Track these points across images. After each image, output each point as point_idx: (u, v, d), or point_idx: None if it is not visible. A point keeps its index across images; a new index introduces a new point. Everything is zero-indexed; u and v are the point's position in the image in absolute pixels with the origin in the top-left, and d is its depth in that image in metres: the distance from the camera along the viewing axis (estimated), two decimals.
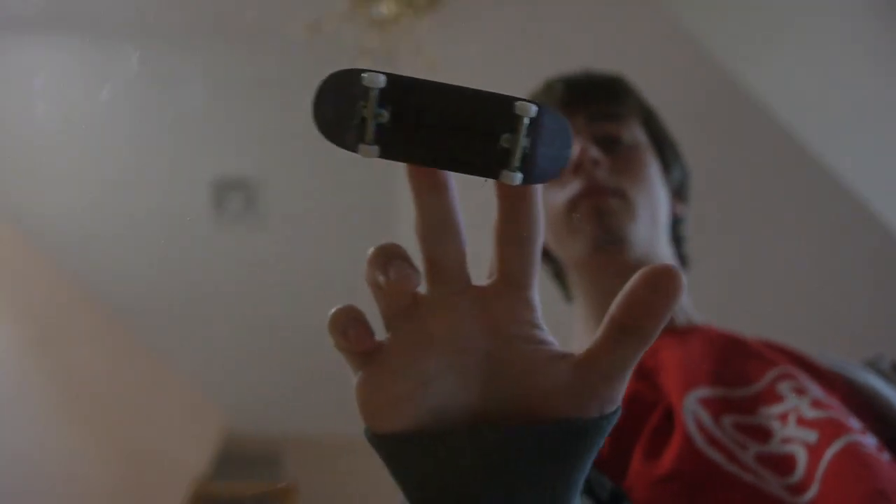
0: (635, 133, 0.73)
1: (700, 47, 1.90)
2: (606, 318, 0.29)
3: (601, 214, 0.66)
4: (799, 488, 0.50)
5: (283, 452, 3.41)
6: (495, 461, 0.28)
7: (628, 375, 0.29)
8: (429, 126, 0.27)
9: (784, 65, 1.88)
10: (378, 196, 2.44)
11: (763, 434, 0.54)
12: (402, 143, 0.28)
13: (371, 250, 0.30)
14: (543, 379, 0.29)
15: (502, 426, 0.29)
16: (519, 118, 0.27)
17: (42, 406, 2.35)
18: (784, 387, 0.57)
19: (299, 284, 2.65)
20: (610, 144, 0.70)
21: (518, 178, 0.28)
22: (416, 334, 0.29)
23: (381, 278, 0.29)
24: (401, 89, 0.27)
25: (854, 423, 0.54)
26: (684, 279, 0.28)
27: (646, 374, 0.60)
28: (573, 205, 0.67)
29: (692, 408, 0.55)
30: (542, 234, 0.30)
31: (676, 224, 0.77)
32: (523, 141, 0.27)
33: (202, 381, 3.02)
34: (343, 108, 0.28)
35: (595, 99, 0.73)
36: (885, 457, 0.51)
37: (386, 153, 0.28)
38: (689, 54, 1.92)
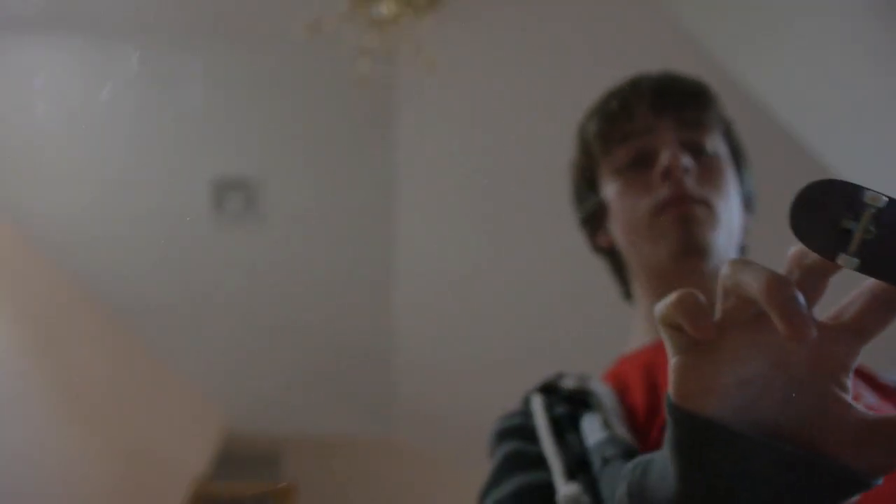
0: (717, 143, 0.73)
1: (700, 47, 1.90)
2: None
3: (687, 222, 0.67)
4: None
5: (283, 452, 3.41)
6: (776, 476, 0.30)
7: None
8: None
9: (784, 65, 1.88)
10: (378, 196, 2.44)
11: None
12: (881, 260, 0.29)
13: (776, 279, 0.31)
14: (836, 424, 0.31)
15: (800, 450, 0.30)
16: (868, 206, 0.29)
17: (42, 406, 2.35)
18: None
19: (299, 284, 2.66)
20: (695, 152, 0.71)
21: (853, 263, 0.29)
22: (751, 340, 0.31)
23: (784, 323, 0.29)
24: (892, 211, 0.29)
25: None
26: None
27: None
28: (659, 210, 0.68)
29: None
30: None
31: (743, 231, 0.78)
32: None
33: (202, 381, 3.02)
34: (830, 216, 0.30)
35: (683, 105, 0.73)
36: None
37: (865, 268, 0.29)
38: (689, 54, 1.91)
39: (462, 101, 2.16)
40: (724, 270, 0.32)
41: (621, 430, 0.56)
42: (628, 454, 0.52)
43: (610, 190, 0.73)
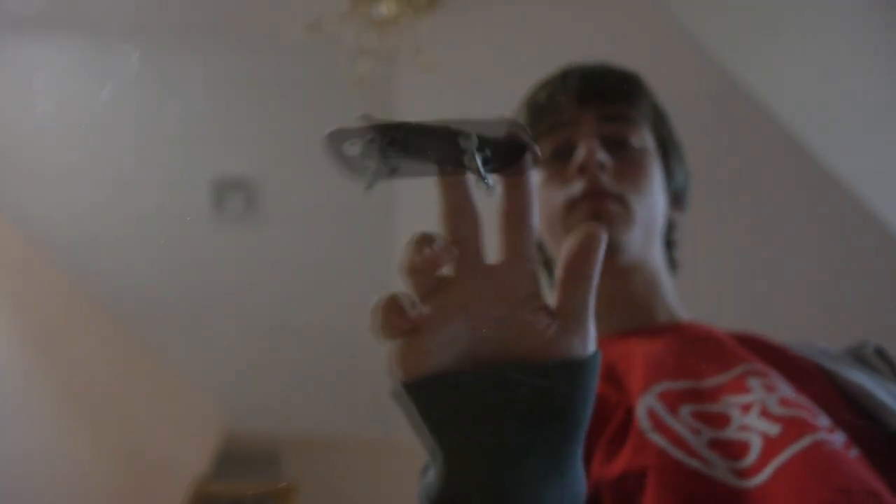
0: (644, 137, 0.72)
1: (700, 47, 1.90)
2: (559, 272, 0.36)
3: (599, 218, 0.66)
4: (746, 473, 0.50)
5: (283, 452, 3.41)
6: (508, 393, 0.34)
7: (591, 314, 0.36)
8: (413, 157, 0.36)
9: (784, 65, 1.88)
10: (378, 196, 2.44)
11: (721, 420, 0.55)
12: (399, 171, 0.36)
13: (414, 236, 0.36)
14: (541, 333, 0.35)
15: (513, 364, 0.35)
16: (468, 148, 0.34)
17: (42, 406, 2.35)
18: (753, 381, 0.58)
19: (299, 284, 2.66)
20: (617, 147, 0.70)
21: (489, 183, 0.35)
22: (444, 305, 0.36)
23: (427, 250, 0.35)
24: (386, 138, 0.35)
25: (822, 420, 0.53)
26: (603, 236, 0.35)
27: (613, 376, 0.61)
28: (573, 205, 0.68)
29: (649, 402, 0.56)
30: (536, 213, 0.37)
31: (670, 229, 0.77)
32: (479, 159, 0.34)
33: (202, 381, 3.02)
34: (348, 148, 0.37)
35: (609, 98, 0.72)
36: (852, 454, 0.51)
37: (399, 176, 0.37)
38: (689, 54, 1.92)
39: (462, 101, 2.16)
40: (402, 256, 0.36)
41: None
42: None
43: (534, 181, 0.73)
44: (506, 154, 0.35)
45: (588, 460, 0.54)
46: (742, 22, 1.86)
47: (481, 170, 0.34)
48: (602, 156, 0.67)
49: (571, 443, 0.35)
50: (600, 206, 0.67)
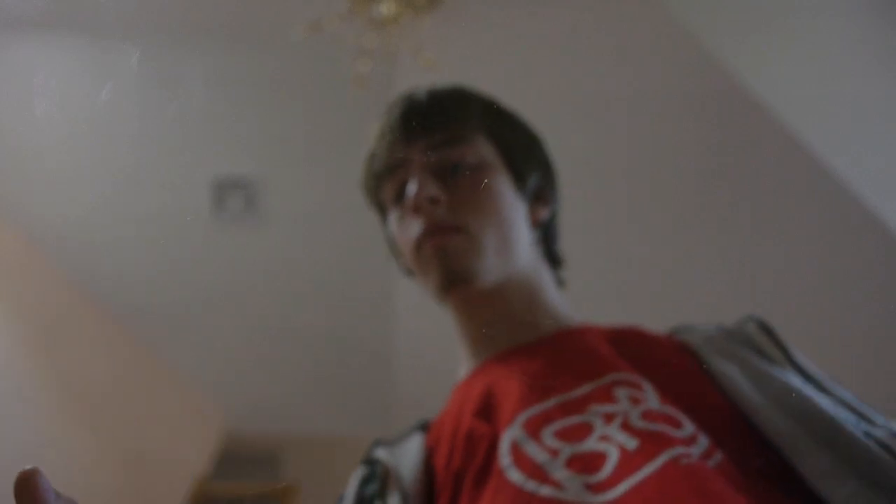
0: (480, 152, 0.70)
1: (700, 47, 1.90)
2: None
3: (444, 255, 0.65)
4: (599, 487, 0.49)
5: (283, 452, 3.41)
6: None
7: None
8: None
9: (784, 65, 1.88)
10: None
11: (583, 431, 0.54)
12: None
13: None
14: None
15: None
16: None
17: (42, 406, 2.35)
18: (621, 392, 0.57)
19: (299, 284, 2.66)
20: (451, 173, 0.68)
21: None
22: None
23: None
24: None
25: (685, 431, 0.53)
26: (31, 475, 0.34)
27: (487, 406, 0.61)
28: (418, 245, 0.67)
29: (512, 435, 0.56)
30: None
31: (544, 226, 0.75)
32: None
33: (202, 382, 3.02)
34: None
35: (432, 125, 0.70)
36: (713, 462, 0.51)
37: None
38: (689, 54, 1.91)
39: None
40: None
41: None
42: None
43: (391, 222, 0.73)
44: None
45: (456, 502, 0.55)
46: (742, 22, 1.86)
47: None
48: (431, 190, 0.66)
49: None
50: (443, 242, 0.65)
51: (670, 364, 0.62)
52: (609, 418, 0.55)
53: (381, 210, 0.76)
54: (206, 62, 2.05)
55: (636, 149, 2.13)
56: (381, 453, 0.64)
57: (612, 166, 2.18)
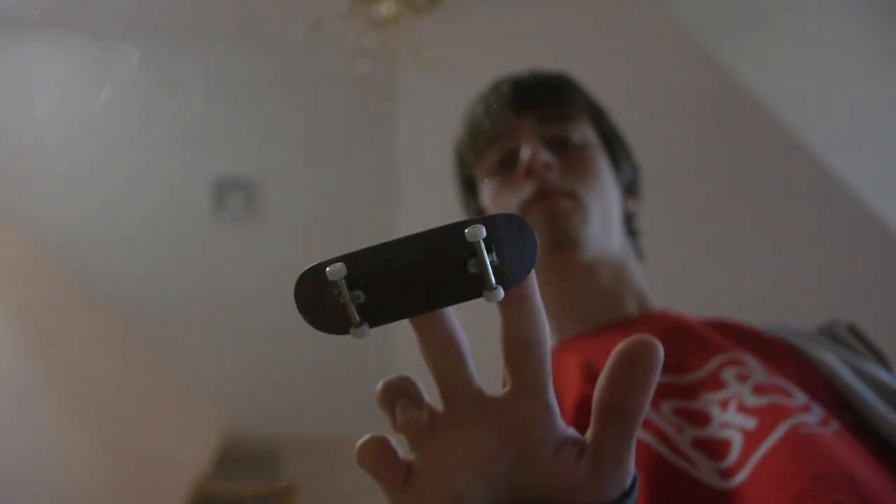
0: (585, 133, 0.73)
1: (700, 47, 1.90)
2: (596, 404, 0.30)
3: (553, 218, 0.66)
4: (729, 472, 0.50)
5: (283, 452, 3.41)
6: None
7: (633, 448, 0.30)
8: (402, 282, 0.29)
9: (784, 64, 1.88)
10: (378, 196, 2.44)
11: (702, 419, 0.55)
12: (386, 310, 0.29)
13: (378, 387, 0.31)
14: (567, 477, 0.30)
15: None
16: (475, 243, 0.28)
17: (42, 406, 2.35)
18: (728, 374, 0.58)
19: None
20: (560, 146, 0.70)
21: (499, 293, 0.28)
22: (441, 454, 0.30)
23: (391, 420, 0.30)
24: (362, 268, 0.28)
25: (797, 399, 0.54)
26: (660, 349, 0.29)
27: (593, 375, 0.61)
28: (526, 207, 0.68)
29: None
30: (548, 336, 0.31)
31: (629, 219, 0.78)
32: (488, 259, 0.28)
33: (202, 382, 3.02)
34: (323, 302, 0.29)
35: (543, 101, 0.73)
36: (831, 429, 0.52)
37: (375, 324, 0.29)
38: (689, 54, 1.91)
39: (462, 101, 2.15)
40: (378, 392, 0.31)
41: None
42: None
43: (486, 194, 0.74)
44: (511, 257, 0.29)
45: None
46: (742, 22, 1.86)
47: (491, 275, 0.28)
48: (545, 155, 0.68)
49: None
50: (553, 205, 0.67)
51: (769, 345, 0.63)
52: (724, 405, 0.55)
53: (469, 182, 0.77)
54: (206, 62, 2.05)
55: (636, 149, 2.12)
56: None
57: None
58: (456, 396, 0.31)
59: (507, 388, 0.31)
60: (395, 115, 2.22)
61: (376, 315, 0.29)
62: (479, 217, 0.28)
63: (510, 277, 0.29)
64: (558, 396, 0.62)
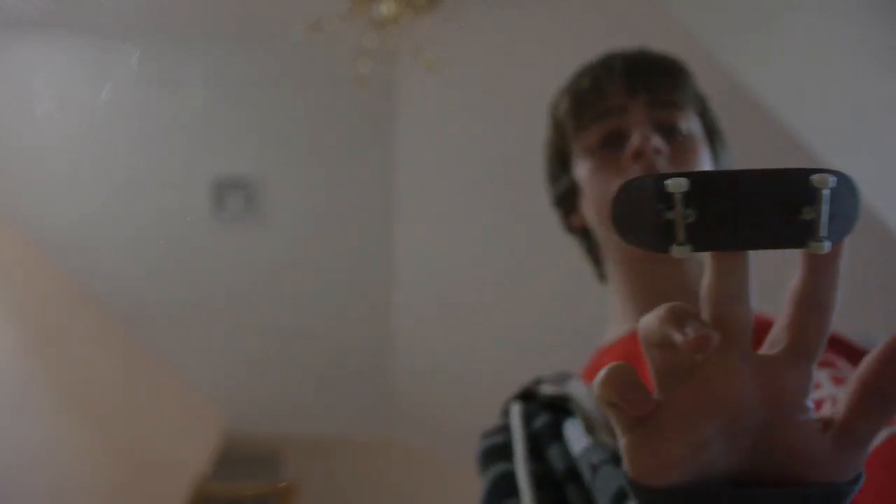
0: (691, 122, 0.72)
1: (700, 47, 1.90)
2: (857, 383, 0.29)
3: None
4: None
5: (283, 452, 3.41)
6: None
7: (872, 439, 0.30)
8: (732, 213, 0.29)
9: (784, 64, 1.88)
10: (378, 196, 2.44)
11: None
12: (711, 237, 0.29)
13: (664, 308, 0.29)
14: (809, 449, 0.30)
15: (770, 490, 0.29)
16: (818, 191, 0.28)
17: (42, 406, 2.35)
18: (822, 375, 0.57)
19: (299, 284, 2.66)
20: (668, 132, 0.69)
21: (827, 245, 0.29)
22: (694, 398, 0.30)
23: (678, 336, 0.28)
24: (704, 188, 0.29)
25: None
26: None
27: None
28: None
29: None
30: (837, 304, 0.30)
31: None
32: (825, 210, 0.28)
33: (202, 381, 3.02)
34: (645, 213, 0.29)
35: (656, 84, 0.71)
36: None
37: (697, 249, 0.29)
38: (689, 54, 1.91)
39: (462, 101, 2.16)
40: (642, 325, 0.30)
41: (604, 434, 0.55)
42: (615, 459, 0.51)
43: (582, 170, 0.72)
44: (840, 213, 0.29)
45: None
46: (742, 22, 1.86)
47: (826, 225, 0.28)
48: (657, 141, 0.67)
49: None
50: None
51: (856, 351, 0.62)
52: (819, 405, 0.54)
53: (564, 154, 0.75)
54: (206, 62, 2.05)
55: None
56: (546, 389, 0.62)
57: None
58: (729, 344, 0.30)
59: (782, 347, 0.30)
60: (395, 115, 2.22)
61: (701, 239, 0.29)
62: (827, 169, 0.28)
63: (834, 233, 0.29)
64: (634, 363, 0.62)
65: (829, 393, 0.55)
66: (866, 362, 0.29)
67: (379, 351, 2.90)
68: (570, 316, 2.59)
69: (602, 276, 0.76)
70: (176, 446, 2.91)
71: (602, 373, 0.29)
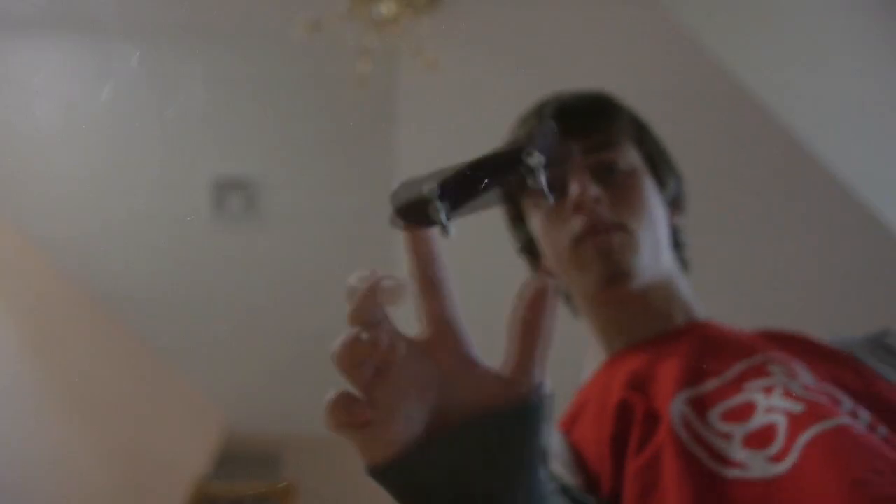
0: (630, 157, 0.73)
1: (700, 47, 1.90)
2: (515, 327, 0.37)
3: (605, 253, 0.68)
4: (779, 456, 0.51)
5: (283, 452, 3.41)
6: (466, 446, 0.36)
7: (536, 360, 0.37)
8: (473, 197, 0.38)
9: (784, 64, 1.88)
10: (378, 196, 2.44)
11: (748, 410, 0.56)
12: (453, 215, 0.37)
13: (346, 339, 0.37)
14: (484, 389, 0.37)
15: (462, 420, 0.37)
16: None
17: (42, 406, 2.35)
18: (775, 367, 0.59)
19: (299, 284, 2.65)
20: (607, 174, 0.71)
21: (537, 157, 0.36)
22: (389, 388, 0.36)
23: (369, 345, 0.36)
24: (447, 187, 0.36)
25: (845, 406, 0.55)
26: (550, 286, 0.37)
27: (639, 384, 0.63)
28: (578, 242, 0.69)
29: (679, 409, 0.58)
30: (445, 276, 0.39)
31: (676, 233, 0.78)
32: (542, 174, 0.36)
33: (202, 381, 3.02)
34: (424, 212, 0.37)
35: (589, 127, 0.73)
36: (879, 433, 0.52)
37: (449, 222, 0.37)
38: (689, 54, 1.91)
39: (462, 101, 2.16)
40: (334, 358, 0.37)
41: (558, 469, 0.57)
42: (563, 490, 0.53)
43: (534, 221, 0.75)
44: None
45: (621, 463, 0.57)
46: (742, 22, 1.86)
47: (545, 187, 0.35)
48: (594, 190, 0.68)
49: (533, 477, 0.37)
50: (605, 240, 0.68)
51: (821, 350, 0.64)
52: (768, 391, 0.56)
53: (516, 210, 0.78)
54: (206, 62, 2.05)
55: None
56: None
57: None
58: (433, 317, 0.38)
59: (425, 327, 0.39)
60: (395, 115, 2.22)
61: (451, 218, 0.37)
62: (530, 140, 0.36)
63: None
64: (603, 403, 0.63)
65: (780, 380, 0.57)
66: (518, 308, 0.37)
67: None
68: (571, 315, 2.59)
69: (575, 311, 0.79)
70: (176, 446, 2.91)
71: (326, 404, 0.37)
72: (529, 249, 0.79)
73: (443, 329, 0.38)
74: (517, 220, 0.79)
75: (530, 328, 0.37)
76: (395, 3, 1.85)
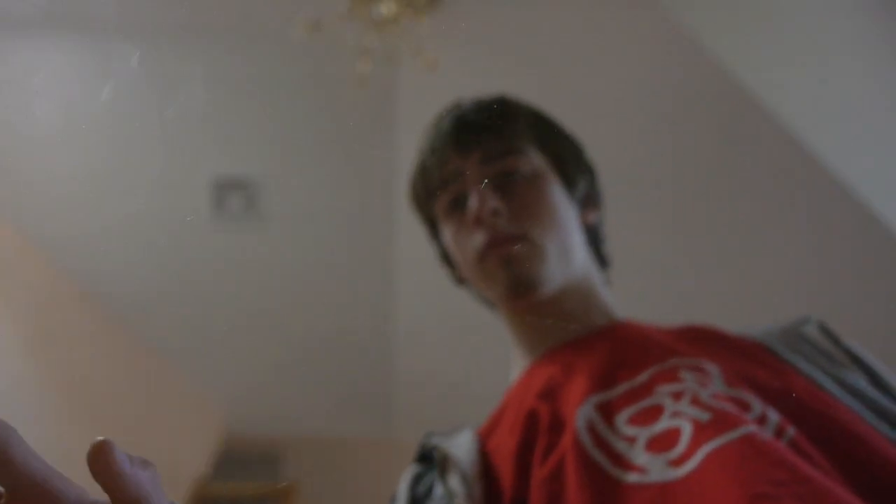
0: (532, 161, 0.72)
1: (700, 47, 1.90)
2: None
3: (509, 265, 0.67)
4: (679, 460, 0.51)
5: (283, 452, 3.41)
6: None
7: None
8: None
9: (784, 64, 1.88)
10: (378, 196, 2.44)
11: (654, 413, 0.56)
12: None
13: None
14: None
15: None
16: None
17: (41, 406, 2.35)
18: (686, 373, 0.59)
19: (299, 284, 2.66)
20: (508, 182, 0.70)
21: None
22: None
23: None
24: None
25: (754, 412, 0.54)
26: (106, 446, 0.33)
27: (550, 391, 0.62)
28: (482, 256, 0.68)
29: (587, 414, 0.57)
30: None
31: (592, 230, 0.77)
32: None
33: (202, 381, 3.02)
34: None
35: (486, 139, 0.72)
36: (786, 437, 0.51)
37: None
38: (690, 54, 1.91)
39: None
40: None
41: (456, 486, 0.56)
42: None
43: (445, 233, 0.74)
44: None
45: (527, 473, 0.56)
46: (742, 22, 1.86)
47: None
48: (492, 202, 0.67)
49: None
50: (507, 252, 0.67)
51: (737, 347, 0.63)
52: (677, 396, 0.56)
53: (431, 222, 0.78)
54: (206, 62, 2.05)
55: (635, 148, 2.13)
56: (436, 440, 0.65)
57: (610, 166, 2.17)
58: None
59: None
60: (395, 115, 2.22)
61: None
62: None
63: None
64: (517, 411, 0.63)
65: (690, 387, 0.57)
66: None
67: (379, 351, 2.90)
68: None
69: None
70: (176, 446, 2.91)
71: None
72: (447, 261, 0.79)
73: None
74: (431, 227, 0.79)
75: (105, 486, 0.33)
76: (395, 3, 1.86)
